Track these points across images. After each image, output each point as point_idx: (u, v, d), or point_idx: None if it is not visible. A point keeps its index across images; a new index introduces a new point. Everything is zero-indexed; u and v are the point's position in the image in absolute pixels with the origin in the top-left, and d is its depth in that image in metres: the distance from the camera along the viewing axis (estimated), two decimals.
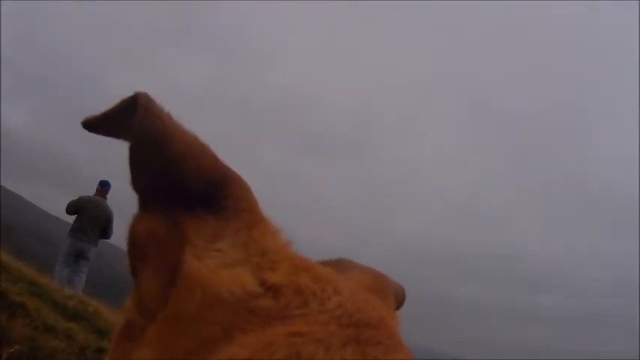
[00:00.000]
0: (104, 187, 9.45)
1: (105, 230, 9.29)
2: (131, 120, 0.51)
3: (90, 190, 9.57)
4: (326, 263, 0.66)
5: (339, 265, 0.69)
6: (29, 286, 6.58)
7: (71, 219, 9.38)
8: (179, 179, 0.52)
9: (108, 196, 9.50)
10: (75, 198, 9.36)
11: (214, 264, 0.51)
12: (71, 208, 9.15)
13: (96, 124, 0.59)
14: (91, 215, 9.14)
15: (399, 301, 0.73)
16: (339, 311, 0.50)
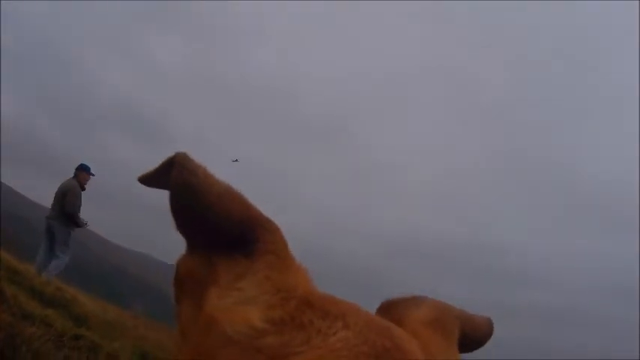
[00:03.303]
0: (77, 169, 9.58)
1: (63, 203, 9.24)
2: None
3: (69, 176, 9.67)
4: (395, 301, 0.71)
5: (410, 301, 0.71)
6: (7, 272, 6.59)
7: (50, 204, 9.49)
8: (214, 226, 0.58)
9: (89, 179, 9.61)
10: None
11: (231, 302, 0.56)
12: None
13: (148, 180, 0.68)
14: (55, 194, 9.38)
15: (481, 333, 0.75)
16: (339, 344, 0.52)
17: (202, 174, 0.59)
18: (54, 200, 9.33)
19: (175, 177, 0.58)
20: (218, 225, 0.58)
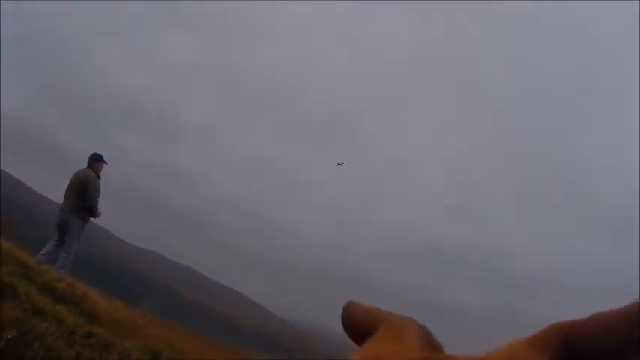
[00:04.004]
0: (91, 158, 9.41)
1: (83, 196, 9.04)
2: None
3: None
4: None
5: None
6: (19, 267, 6.56)
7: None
8: (363, 337, 0.89)
9: (103, 169, 9.44)
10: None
11: None
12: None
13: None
14: (70, 185, 9.17)
15: (615, 334, 0.67)
16: None
17: (352, 306, 0.89)
18: (71, 191, 9.12)
19: (343, 316, 0.89)
20: (365, 336, 0.89)
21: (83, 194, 9.04)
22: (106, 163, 9.56)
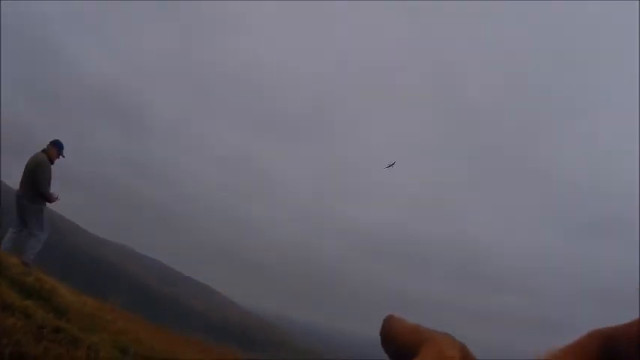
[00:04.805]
0: (50, 143, 9.14)
1: (33, 181, 8.82)
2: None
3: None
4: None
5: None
6: None
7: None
8: (404, 355, 0.93)
9: (59, 158, 9.18)
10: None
11: None
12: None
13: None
14: (24, 169, 8.96)
15: None
16: None
17: (394, 322, 0.94)
18: (24, 176, 8.92)
19: (381, 330, 0.94)
20: (395, 354, 0.93)
21: (33, 179, 8.83)
22: (63, 156, 9.31)
